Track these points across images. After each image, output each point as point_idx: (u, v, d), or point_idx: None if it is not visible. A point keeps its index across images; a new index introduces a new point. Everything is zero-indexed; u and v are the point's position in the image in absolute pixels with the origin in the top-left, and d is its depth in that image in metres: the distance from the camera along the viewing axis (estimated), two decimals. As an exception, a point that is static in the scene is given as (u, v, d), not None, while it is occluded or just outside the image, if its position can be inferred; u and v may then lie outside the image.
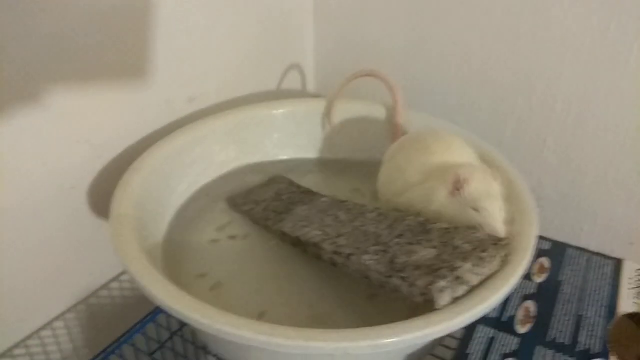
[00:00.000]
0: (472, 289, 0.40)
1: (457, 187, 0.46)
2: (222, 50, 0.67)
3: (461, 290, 0.40)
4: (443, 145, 0.52)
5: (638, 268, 0.52)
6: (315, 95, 0.86)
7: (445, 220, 0.48)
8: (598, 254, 0.54)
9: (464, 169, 0.47)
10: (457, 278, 0.40)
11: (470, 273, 0.40)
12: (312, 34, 0.82)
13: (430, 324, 0.37)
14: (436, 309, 0.38)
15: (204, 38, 0.64)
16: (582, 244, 0.59)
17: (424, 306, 0.39)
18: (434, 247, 0.43)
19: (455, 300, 0.39)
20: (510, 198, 0.50)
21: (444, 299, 0.39)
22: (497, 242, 0.42)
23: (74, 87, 0.51)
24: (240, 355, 0.46)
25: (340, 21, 0.78)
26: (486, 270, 0.41)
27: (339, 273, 0.49)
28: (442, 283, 0.39)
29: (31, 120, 0.48)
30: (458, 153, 0.52)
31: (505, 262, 0.42)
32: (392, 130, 0.64)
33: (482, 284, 0.41)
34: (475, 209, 0.46)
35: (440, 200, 0.48)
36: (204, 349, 0.54)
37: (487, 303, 0.39)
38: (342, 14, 0.78)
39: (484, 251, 0.41)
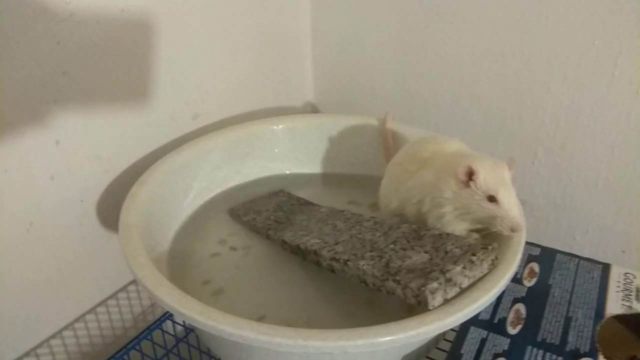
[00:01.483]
0: (463, 291, 0.42)
1: (469, 178, 0.46)
2: (224, 70, 0.70)
3: (452, 291, 0.42)
4: (435, 137, 0.55)
5: (626, 272, 0.54)
6: (314, 111, 0.89)
7: (455, 211, 0.48)
8: (587, 259, 0.56)
9: (473, 160, 0.47)
10: (449, 280, 0.41)
11: (461, 275, 0.42)
12: (310, 52, 0.85)
13: (423, 323, 0.39)
14: (429, 310, 0.40)
15: (206, 58, 0.66)
16: (575, 253, 0.60)
17: (419, 309, 0.41)
18: (427, 252, 0.45)
19: (447, 301, 0.41)
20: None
21: (436, 299, 0.40)
22: (486, 246, 0.44)
23: (83, 105, 0.53)
24: (243, 358, 0.47)
25: (336, 40, 0.81)
26: (476, 273, 0.43)
27: (336, 279, 0.51)
28: (434, 284, 0.40)
29: (42, 137, 0.50)
30: (451, 142, 0.54)
31: (494, 265, 0.44)
32: (383, 139, 0.66)
33: (472, 285, 0.43)
34: (490, 200, 0.46)
35: (451, 190, 0.47)
36: (207, 353, 0.56)
37: (477, 303, 0.41)
38: (338, 33, 0.80)
39: (474, 255, 0.43)
